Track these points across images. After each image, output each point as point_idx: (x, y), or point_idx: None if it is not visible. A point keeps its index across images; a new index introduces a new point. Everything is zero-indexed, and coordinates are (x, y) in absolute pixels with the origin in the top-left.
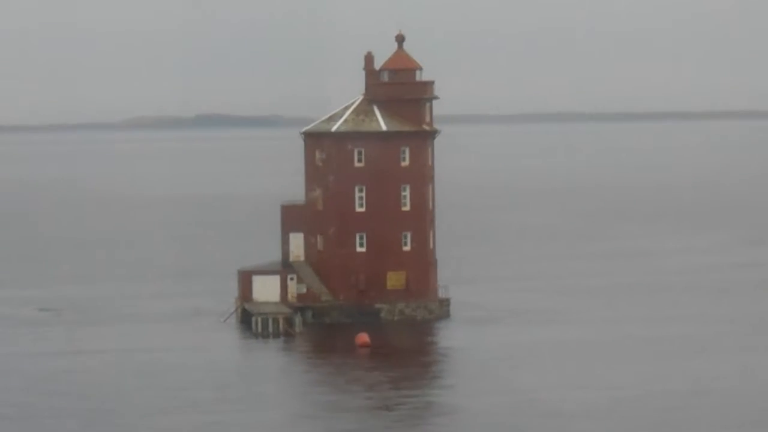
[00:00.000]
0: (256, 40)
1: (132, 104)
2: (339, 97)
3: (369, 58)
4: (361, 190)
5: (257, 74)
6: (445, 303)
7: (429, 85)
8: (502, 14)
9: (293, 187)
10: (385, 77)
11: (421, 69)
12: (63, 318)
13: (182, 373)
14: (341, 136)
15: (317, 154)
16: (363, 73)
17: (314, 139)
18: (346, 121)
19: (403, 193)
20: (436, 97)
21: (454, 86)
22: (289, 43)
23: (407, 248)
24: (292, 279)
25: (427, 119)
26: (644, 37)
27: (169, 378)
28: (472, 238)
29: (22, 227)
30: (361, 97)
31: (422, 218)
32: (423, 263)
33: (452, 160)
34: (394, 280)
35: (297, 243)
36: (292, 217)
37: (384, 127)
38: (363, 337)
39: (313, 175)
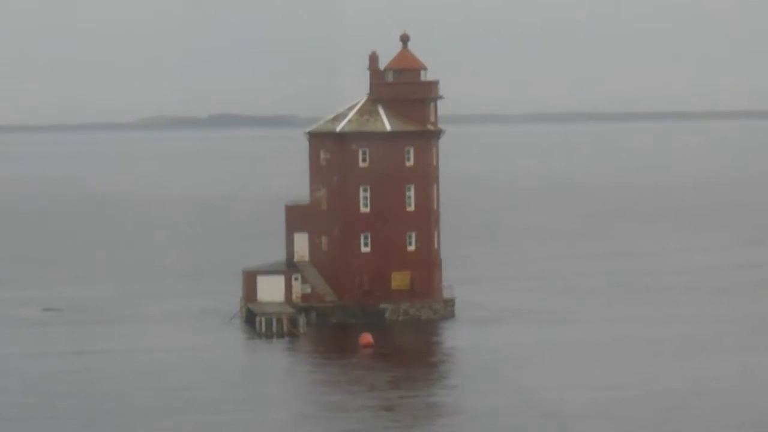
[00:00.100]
0: (257, 39)
1: (132, 105)
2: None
3: (373, 58)
4: (365, 190)
5: (270, 74)
6: (449, 303)
7: (434, 84)
8: (504, 14)
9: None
10: (390, 77)
11: (425, 69)
12: (64, 318)
13: (185, 374)
14: (346, 136)
15: (322, 154)
16: (367, 72)
17: (319, 139)
18: (350, 121)
19: (407, 193)
20: (440, 97)
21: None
22: (299, 42)
23: (412, 248)
24: (296, 279)
25: (432, 119)
26: (644, 37)
27: (172, 378)
28: (476, 238)
29: (22, 227)
30: (365, 97)
31: (427, 218)
32: (427, 263)
33: (457, 160)
34: (399, 280)
35: (301, 243)
36: (296, 217)
37: (388, 127)
38: (366, 338)
39: (317, 175)
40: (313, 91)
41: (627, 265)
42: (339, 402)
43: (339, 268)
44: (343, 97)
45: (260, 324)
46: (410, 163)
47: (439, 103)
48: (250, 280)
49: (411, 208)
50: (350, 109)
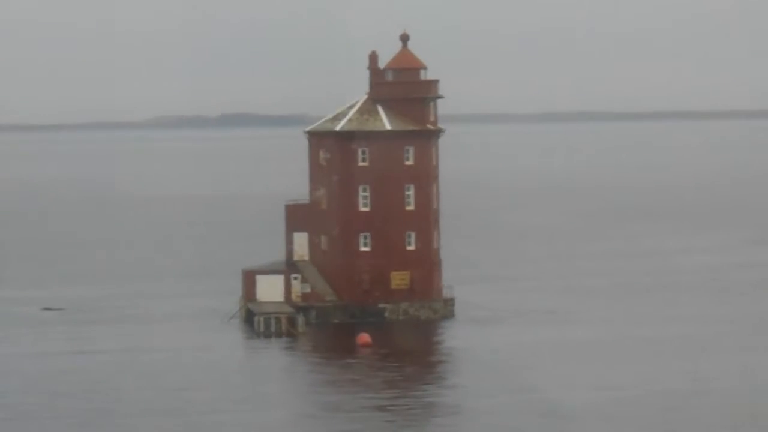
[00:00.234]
0: (257, 39)
1: (132, 105)
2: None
3: (373, 58)
4: (365, 190)
5: (270, 74)
6: (449, 303)
7: (433, 84)
8: (505, 14)
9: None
10: (390, 76)
11: (425, 68)
12: (64, 318)
13: (184, 373)
14: (345, 136)
15: (321, 154)
16: (367, 72)
17: (318, 138)
18: (350, 120)
19: (407, 193)
20: (440, 96)
21: (457, 85)
22: (299, 42)
23: (411, 248)
24: (296, 279)
25: (432, 118)
26: (644, 37)
27: (171, 378)
28: (476, 238)
29: (22, 227)
30: (365, 97)
31: (426, 218)
32: (427, 263)
33: (457, 159)
34: (399, 279)
35: (301, 242)
36: (296, 217)
37: (388, 127)
38: (364, 337)
39: (317, 174)
40: (316, 91)
41: (627, 265)
42: (338, 402)
43: (339, 267)
44: (348, 97)
45: (259, 324)
46: (410, 162)
47: (439, 102)
48: (249, 279)
49: (411, 207)
50: (350, 108)
